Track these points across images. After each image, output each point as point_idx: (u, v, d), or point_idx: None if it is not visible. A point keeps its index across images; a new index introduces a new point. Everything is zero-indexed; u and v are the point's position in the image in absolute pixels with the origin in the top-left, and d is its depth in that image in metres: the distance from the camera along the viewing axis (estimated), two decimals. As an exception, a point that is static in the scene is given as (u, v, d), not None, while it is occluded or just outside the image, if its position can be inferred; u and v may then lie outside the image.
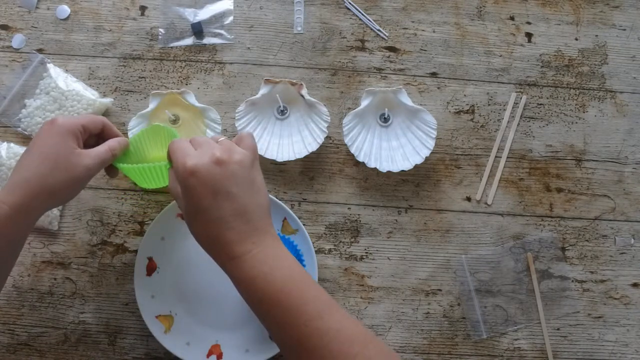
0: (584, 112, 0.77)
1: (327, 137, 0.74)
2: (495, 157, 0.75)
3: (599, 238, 0.74)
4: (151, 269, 0.69)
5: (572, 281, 0.72)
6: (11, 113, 0.73)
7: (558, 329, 0.71)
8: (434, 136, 0.71)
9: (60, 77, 0.73)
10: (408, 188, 0.74)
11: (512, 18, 0.80)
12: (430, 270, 0.72)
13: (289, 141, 0.73)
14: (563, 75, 0.78)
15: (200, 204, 0.50)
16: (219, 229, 0.50)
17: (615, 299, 0.72)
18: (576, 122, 0.77)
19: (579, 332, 0.71)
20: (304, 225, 0.70)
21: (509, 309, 0.71)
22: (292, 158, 0.71)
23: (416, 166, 0.71)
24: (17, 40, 0.76)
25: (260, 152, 0.71)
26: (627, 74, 0.79)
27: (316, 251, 0.71)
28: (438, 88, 0.77)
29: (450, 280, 0.72)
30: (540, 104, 0.77)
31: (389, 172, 0.71)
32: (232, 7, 0.78)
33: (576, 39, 0.79)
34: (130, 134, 0.71)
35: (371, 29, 0.78)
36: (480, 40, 0.79)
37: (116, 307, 0.69)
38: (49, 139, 0.57)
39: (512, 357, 0.70)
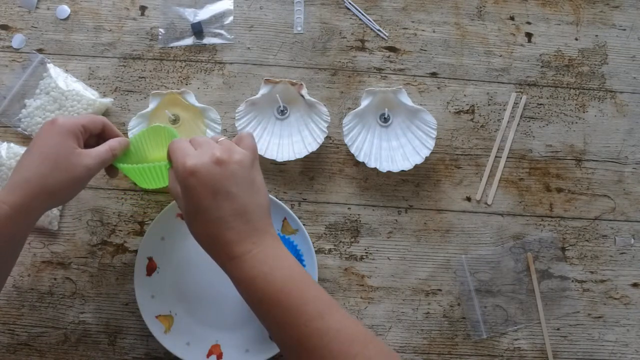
0: (584, 112, 0.77)
1: (327, 137, 0.74)
2: (495, 157, 0.75)
3: (599, 238, 0.74)
4: (151, 269, 0.69)
5: (572, 281, 0.72)
6: (11, 113, 0.73)
7: (558, 329, 0.71)
8: (434, 136, 0.71)
9: (60, 77, 0.73)
10: (408, 188, 0.74)
11: (512, 18, 0.80)
12: (430, 270, 0.72)
13: (289, 141, 0.73)
14: (563, 75, 0.78)
15: (200, 203, 0.50)
16: (218, 229, 0.50)
17: (615, 299, 0.72)
18: (576, 122, 0.77)
19: (579, 332, 0.71)
20: (304, 225, 0.70)
21: (509, 309, 0.71)
22: (292, 158, 0.71)
23: (416, 166, 0.71)
24: (17, 40, 0.76)
25: (260, 152, 0.71)
26: (627, 74, 0.79)
27: (316, 251, 0.71)
28: (438, 88, 0.77)
29: (450, 280, 0.72)
30: (540, 104, 0.77)
31: (389, 172, 0.71)
32: (232, 7, 0.78)
33: (576, 39, 0.79)
34: (130, 134, 0.71)
35: (371, 29, 0.78)
36: (480, 40, 0.79)
37: (116, 307, 0.69)
38: (49, 139, 0.57)
39: (512, 357, 0.70)
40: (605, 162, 0.76)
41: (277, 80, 0.73)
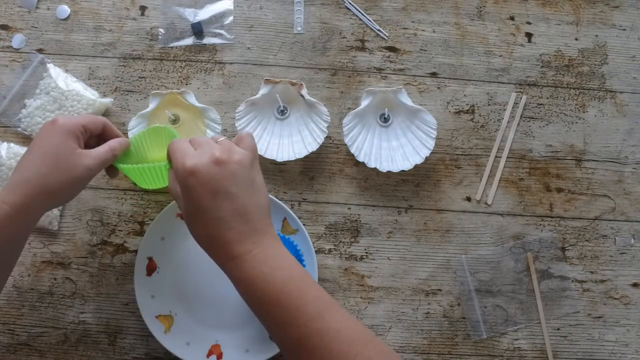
0: (584, 112, 0.77)
1: (327, 137, 0.74)
2: (495, 157, 0.75)
3: (599, 238, 0.74)
4: (151, 269, 0.69)
5: (572, 281, 0.72)
6: (11, 113, 0.73)
7: (558, 329, 0.71)
8: (434, 136, 0.71)
9: (60, 77, 0.73)
10: (408, 188, 0.74)
11: (512, 18, 0.80)
12: (430, 270, 0.72)
13: (289, 141, 0.73)
14: (563, 75, 0.78)
15: (199, 204, 0.50)
16: (218, 229, 0.50)
17: (615, 299, 0.72)
18: (576, 122, 0.77)
19: (579, 332, 0.71)
20: (304, 225, 0.70)
21: (509, 309, 0.71)
22: (292, 158, 0.71)
23: (416, 166, 0.71)
24: (17, 40, 0.76)
25: (260, 152, 0.71)
26: (627, 74, 0.79)
27: (316, 251, 0.71)
28: (438, 88, 0.77)
29: (450, 280, 0.72)
30: (540, 104, 0.77)
31: (389, 172, 0.71)
32: (232, 7, 0.78)
33: (576, 39, 0.79)
34: (130, 134, 0.71)
35: (371, 29, 0.78)
36: (480, 40, 0.79)
37: (116, 307, 0.69)
38: (49, 139, 0.57)
39: (512, 357, 0.70)
40: (605, 162, 0.76)
41: (277, 80, 0.73)
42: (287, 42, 0.78)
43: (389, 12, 0.79)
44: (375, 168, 0.71)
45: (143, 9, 0.78)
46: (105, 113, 0.74)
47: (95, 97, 0.73)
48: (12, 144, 0.71)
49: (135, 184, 0.72)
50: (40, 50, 0.76)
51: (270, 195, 0.68)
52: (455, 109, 0.77)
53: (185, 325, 0.68)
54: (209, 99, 0.75)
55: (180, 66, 0.76)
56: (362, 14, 0.79)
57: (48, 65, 0.74)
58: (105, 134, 0.62)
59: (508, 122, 0.76)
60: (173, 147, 0.54)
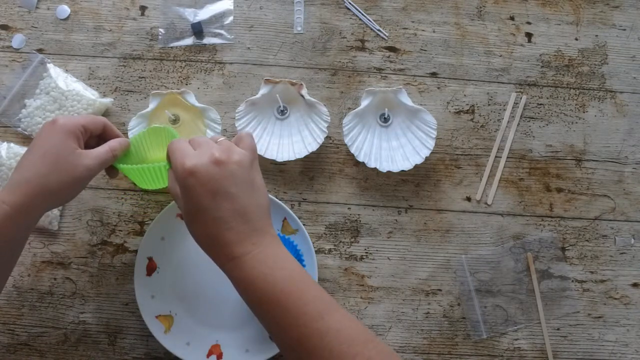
0: (584, 112, 0.77)
1: (327, 137, 0.74)
2: (495, 157, 0.75)
3: (599, 238, 0.74)
4: (151, 269, 0.69)
5: (572, 281, 0.72)
6: (11, 113, 0.73)
7: (558, 329, 0.71)
8: (434, 136, 0.71)
9: (60, 77, 0.73)
10: (408, 188, 0.74)
11: (512, 18, 0.79)
12: (430, 270, 0.72)
13: (289, 141, 0.73)
14: (563, 75, 0.78)
15: (199, 204, 0.50)
16: (218, 229, 0.50)
17: (615, 299, 0.72)
18: (576, 122, 0.77)
19: (579, 332, 0.71)
20: (304, 225, 0.70)
21: (509, 309, 0.71)
22: (292, 158, 0.71)
23: (416, 166, 0.71)
24: (17, 40, 0.76)
25: (260, 152, 0.71)
26: (627, 74, 0.79)
27: (316, 251, 0.71)
28: (438, 88, 0.77)
29: (450, 280, 0.72)
30: (540, 104, 0.77)
31: (389, 172, 0.71)
32: (232, 7, 0.78)
33: (576, 39, 0.79)
34: (130, 134, 0.71)
35: (371, 29, 0.78)
36: (480, 40, 0.79)
37: (116, 307, 0.69)
38: (49, 139, 0.57)
39: (512, 357, 0.70)
40: (605, 162, 0.76)
41: (277, 80, 0.73)
42: (287, 42, 0.78)
43: (389, 12, 0.79)
44: (375, 168, 0.71)
45: (143, 9, 0.78)
46: (105, 113, 0.74)
47: (95, 97, 0.73)
48: (12, 144, 0.71)
49: (135, 184, 0.72)
50: (40, 50, 0.76)
51: (270, 195, 0.68)
52: (455, 109, 0.76)
53: (185, 325, 0.68)
54: (209, 99, 0.75)
55: (180, 66, 0.76)
56: (362, 14, 0.79)
57: (48, 65, 0.74)
58: (105, 134, 0.62)
59: (508, 122, 0.76)
60: (173, 147, 0.54)
